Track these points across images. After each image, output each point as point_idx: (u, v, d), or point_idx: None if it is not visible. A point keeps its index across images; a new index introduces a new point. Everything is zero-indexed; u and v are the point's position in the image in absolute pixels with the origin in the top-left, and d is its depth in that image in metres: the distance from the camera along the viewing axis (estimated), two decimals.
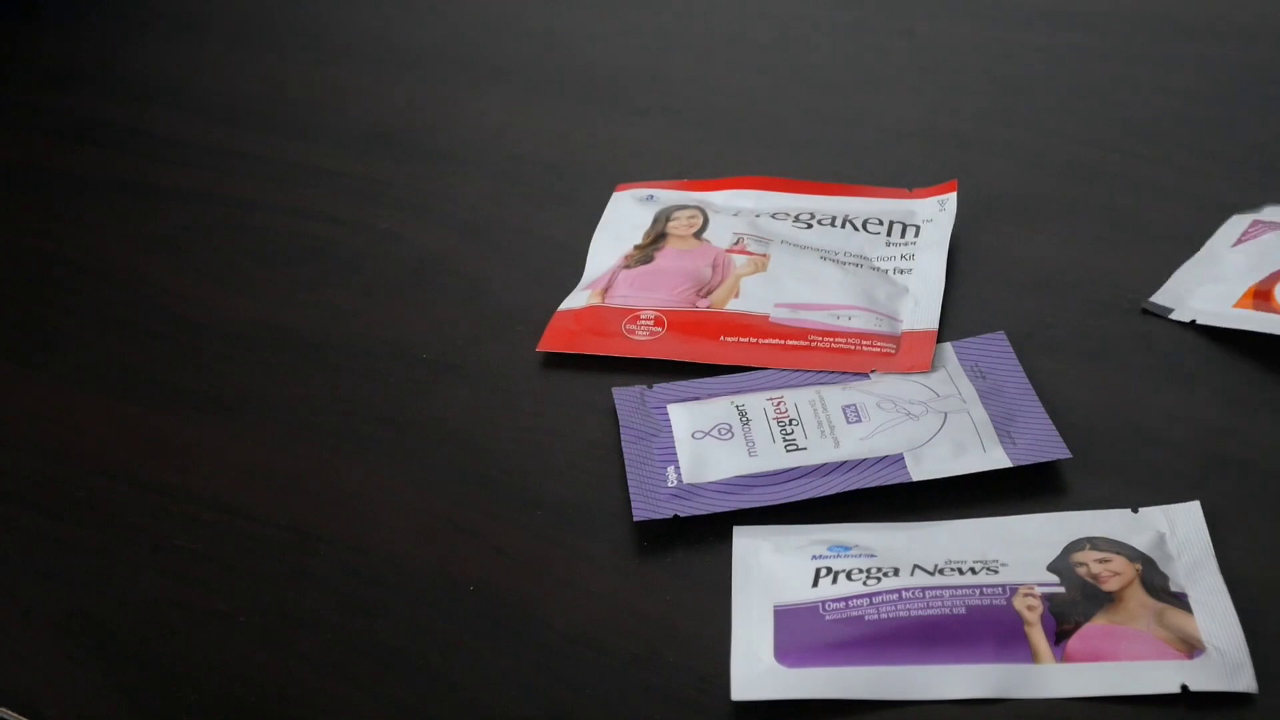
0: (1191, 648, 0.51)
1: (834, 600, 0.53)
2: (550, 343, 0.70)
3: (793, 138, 0.87)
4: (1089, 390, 0.65)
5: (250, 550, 0.61)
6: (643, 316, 0.71)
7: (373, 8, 1.08)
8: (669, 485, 0.60)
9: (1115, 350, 0.68)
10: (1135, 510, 0.57)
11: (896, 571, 0.54)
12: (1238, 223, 0.74)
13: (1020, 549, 0.55)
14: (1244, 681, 0.50)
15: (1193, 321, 0.68)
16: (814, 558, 0.55)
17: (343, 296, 0.76)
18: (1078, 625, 0.52)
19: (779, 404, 0.63)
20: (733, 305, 0.70)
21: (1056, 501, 0.59)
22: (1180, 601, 0.53)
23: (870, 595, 0.53)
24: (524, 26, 1.03)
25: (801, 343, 0.68)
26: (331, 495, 0.63)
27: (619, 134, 0.89)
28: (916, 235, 0.75)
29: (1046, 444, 0.60)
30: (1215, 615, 0.52)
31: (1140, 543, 0.55)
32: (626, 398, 0.66)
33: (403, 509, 0.62)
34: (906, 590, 0.53)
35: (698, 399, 0.65)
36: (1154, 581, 0.53)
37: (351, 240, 0.81)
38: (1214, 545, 0.55)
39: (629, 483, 0.61)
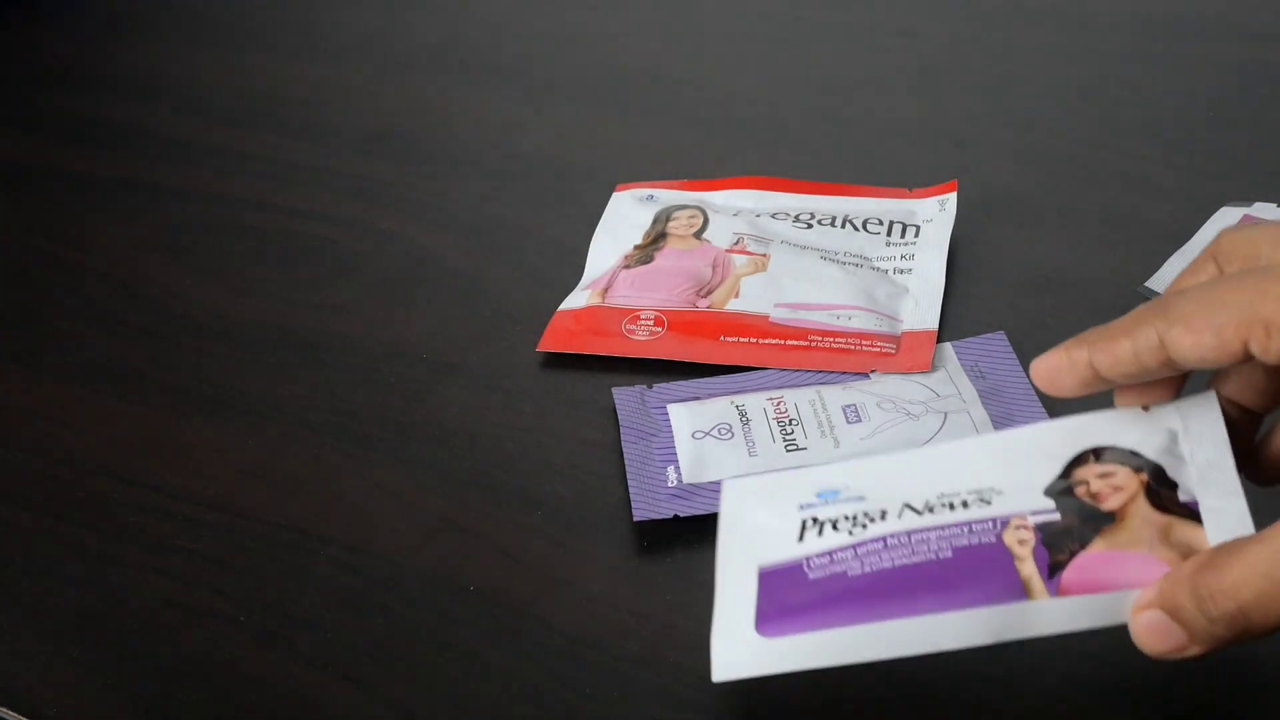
0: None
1: (818, 555, 0.50)
2: (550, 343, 0.70)
3: (793, 138, 0.87)
4: None
5: (250, 550, 0.61)
6: (643, 316, 0.71)
7: (373, 8, 1.08)
8: (669, 485, 0.60)
9: None
10: (1146, 408, 0.51)
11: (884, 514, 0.50)
12: (1228, 214, 0.75)
13: (1020, 469, 0.50)
14: None
15: None
16: (801, 507, 0.51)
17: (342, 296, 0.76)
18: (1072, 555, 0.48)
19: (779, 404, 0.63)
20: (733, 305, 0.70)
21: None
22: (1189, 513, 0.48)
23: (855, 546, 0.49)
24: (524, 26, 1.03)
25: (801, 343, 0.68)
26: (331, 495, 0.63)
27: (619, 134, 0.89)
28: (916, 235, 0.75)
29: None
30: (1226, 525, 0.48)
31: (1150, 447, 0.49)
32: (626, 398, 0.66)
33: (403, 509, 0.62)
34: (892, 536, 0.49)
35: (698, 399, 0.65)
36: (1160, 493, 0.49)
37: (351, 240, 0.81)
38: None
39: (629, 483, 0.61)
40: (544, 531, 0.60)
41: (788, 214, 0.77)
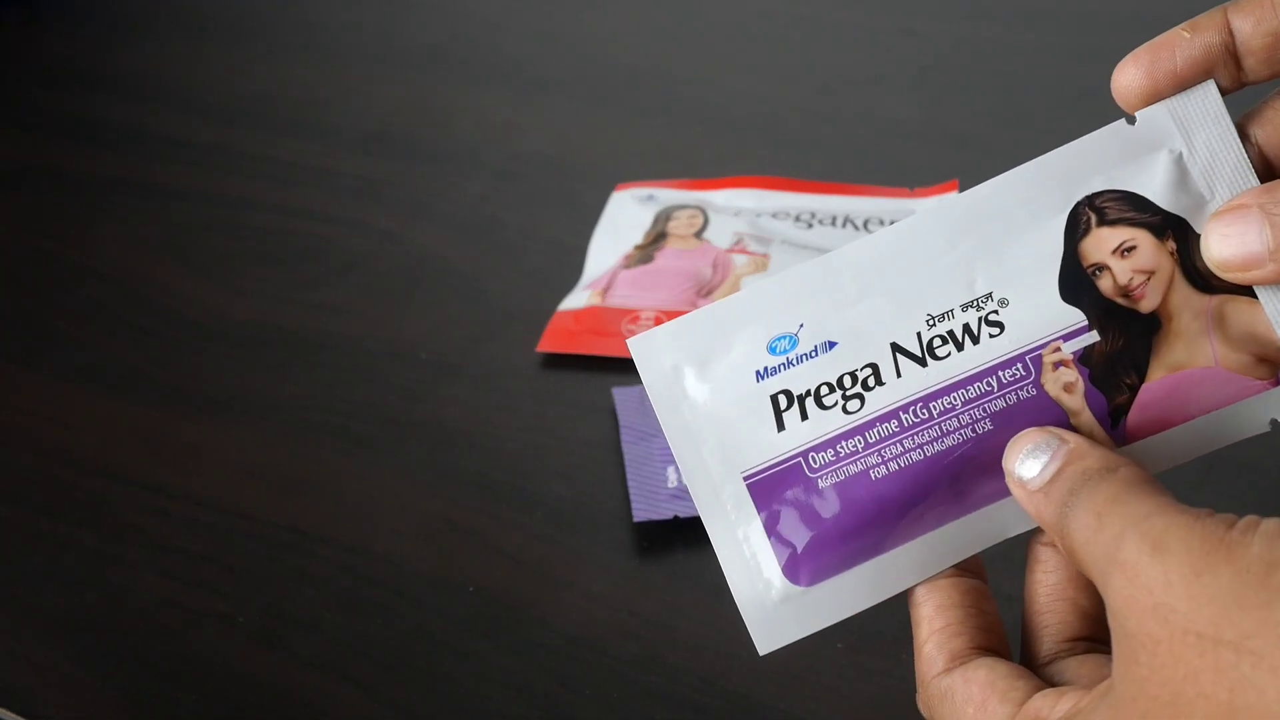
0: (1273, 366, 0.39)
1: (816, 448, 0.39)
2: (550, 343, 0.70)
3: (793, 138, 0.87)
4: None
5: (250, 550, 0.61)
6: (643, 316, 0.71)
7: (373, 8, 1.08)
8: (669, 486, 0.60)
9: None
10: (1132, 121, 0.40)
11: (877, 372, 0.39)
12: None
13: (1007, 250, 0.40)
14: None
15: None
16: (760, 376, 0.40)
17: (342, 296, 0.76)
18: (1132, 391, 0.39)
19: None
20: None
21: None
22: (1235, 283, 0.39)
23: (862, 431, 0.39)
24: (524, 26, 1.03)
25: None
26: (331, 495, 0.63)
27: (619, 134, 0.89)
28: None
29: None
30: None
31: (1158, 189, 0.39)
32: (626, 398, 0.66)
33: (403, 509, 0.62)
34: (905, 409, 0.39)
35: None
36: (1197, 263, 0.39)
37: (351, 240, 0.81)
38: None
39: (629, 483, 0.61)
40: (544, 531, 0.60)
41: (788, 214, 0.77)
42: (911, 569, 0.39)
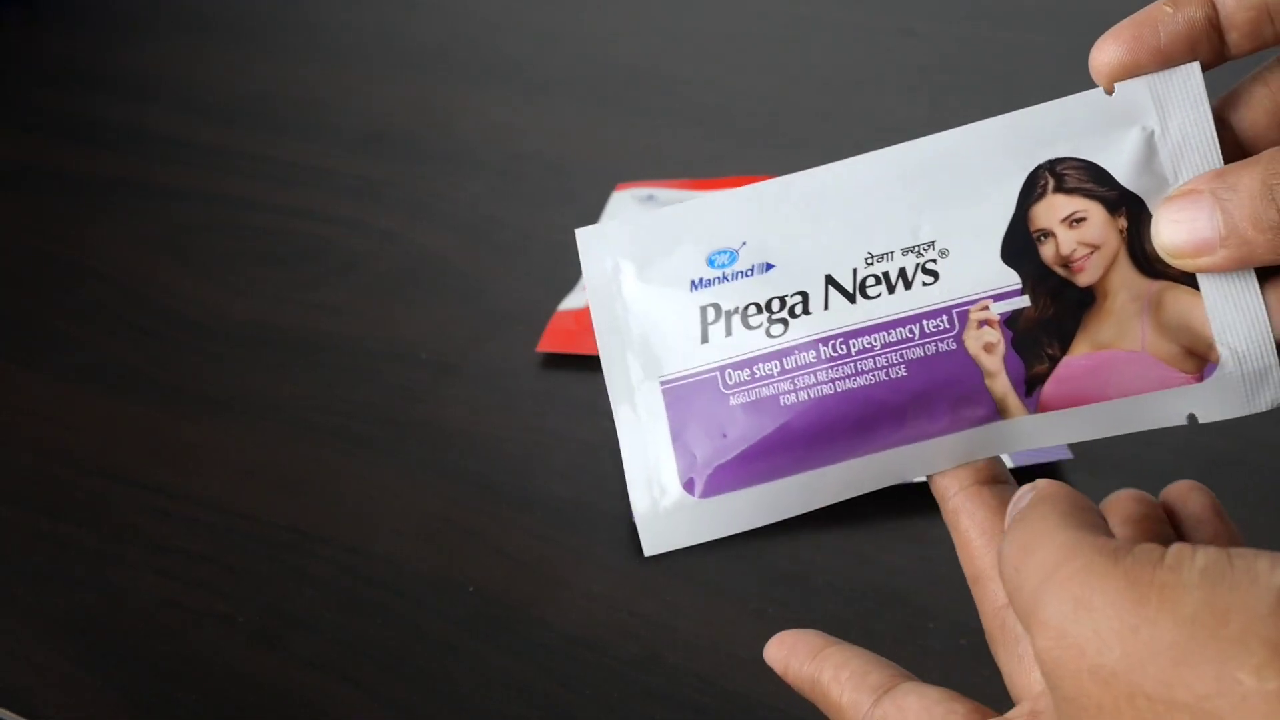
0: (1201, 361, 0.39)
1: (734, 366, 0.40)
2: (550, 343, 0.70)
3: (793, 138, 0.87)
4: None
5: (250, 551, 0.61)
6: None
7: (373, 8, 1.08)
8: None
9: None
10: (1110, 91, 0.40)
11: (806, 301, 0.40)
12: None
13: (960, 201, 0.39)
14: (1266, 398, 0.39)
15: None
16: (694, 286, 0.40)
17: (342, 296, 0.76)
18: (1052, 362, 0.39)
19: None
20: None
21: None
22: (1182, 272, 0.38)
23: (780, 356, 0.39)
24: (524, 26, 1.03)
25: None
26: (331, 495, 0.63)
27: (619, 134, 0.89)
28: None
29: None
30: (1230, 287, 0.38)
31: (1121, 164, 0.39)
32: None
33: (402, 509, 0.62)
34: (825, 342, 0.39)
35: None
36: (1145, 246, 0.38)
37: (351, 240, 0.81)
38: None
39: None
40: (544, 532, 0.60)
41: None
42: (805, 498, 0.39)
